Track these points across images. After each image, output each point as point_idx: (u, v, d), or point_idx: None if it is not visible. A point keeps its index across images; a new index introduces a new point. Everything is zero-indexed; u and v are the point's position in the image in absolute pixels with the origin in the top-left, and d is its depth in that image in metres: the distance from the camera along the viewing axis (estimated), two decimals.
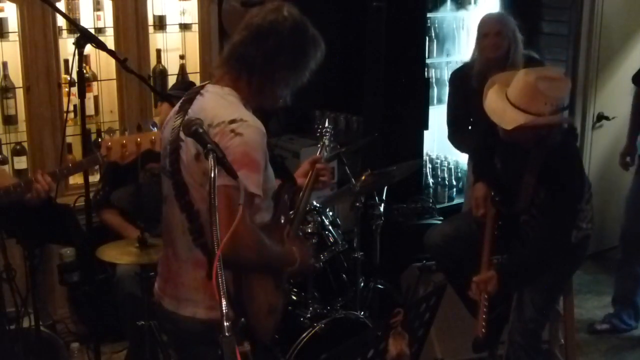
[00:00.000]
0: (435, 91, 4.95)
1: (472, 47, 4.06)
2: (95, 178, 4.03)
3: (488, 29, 3.84)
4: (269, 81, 2.10)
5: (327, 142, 2.99)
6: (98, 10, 4.03)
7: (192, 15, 4.28)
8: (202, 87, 2.19)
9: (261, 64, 2.06)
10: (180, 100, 2.21)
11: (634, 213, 4.10)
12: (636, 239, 4.11)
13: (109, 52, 2.90)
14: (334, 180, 2.69)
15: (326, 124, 3.06)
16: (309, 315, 3.28)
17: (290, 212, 2.43)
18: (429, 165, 5.08)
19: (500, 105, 2.80)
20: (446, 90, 4.55)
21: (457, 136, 4.17)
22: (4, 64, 3.81)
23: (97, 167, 4.10)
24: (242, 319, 2.06)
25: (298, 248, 2.24)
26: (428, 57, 4.79)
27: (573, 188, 2.93)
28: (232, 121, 1.98)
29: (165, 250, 2.25)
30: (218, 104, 2.06)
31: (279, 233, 2.24)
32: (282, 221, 2.28)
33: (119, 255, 2.98)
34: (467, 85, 3.88)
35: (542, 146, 2.86)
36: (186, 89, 3.41)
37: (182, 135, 2.05)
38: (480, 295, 2.91)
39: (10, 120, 3.86)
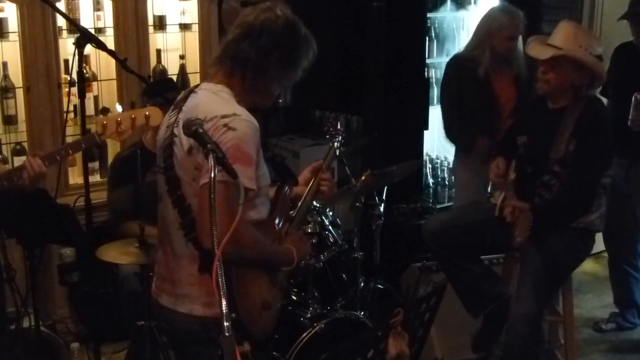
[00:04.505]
0: (435, 91, 4.93)
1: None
2: (95, 178, 4.03)
3: (514, 32, 3.78)
4: (262, 77, 2.12)
5: (337, 144, 2.83)
6: (98, 10, 4.03)
7: (192, 15, 4.28)
8: (197, 86, 2.22)
9: (254, 60, 2.08)
10: (177, 99, 2.22)
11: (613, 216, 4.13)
12: (617, 240, 4.16)
13: (109, 52, 2.90)
14: (334, 190, 2.61)
15: (338, 126, 2.86)
16: (309, 315, 3.27)
17: (291, 212, 2.42)
18: (429, 165, 5.08)
19: (540, 47, 3.22)
20: None
21: (458, 124, 3.99)
22: (4, 64, 3.81)
23: (96, 167, 4.12)
24: (233, 314, 2.05)
25: (297, 247, 2.24)
26: (428, 57, 4.79)
27: (602, 141, 3.16)
28: (225, 116, 2.00)
29: (162, 249, 2.25)
30: (211, 100, 2.08)
31: (275, 231, 2.24)
32: (281, 220, 2.28)
33: (119, 255, 2.97)
34: (474, 72, 3.89)
35: (578, 101, 3.16)
36: (163, 88, 3.41)
37: (175, 130, 2.08)
38: (514, 216, 3.13)
39: (10, 120, 3.86)
